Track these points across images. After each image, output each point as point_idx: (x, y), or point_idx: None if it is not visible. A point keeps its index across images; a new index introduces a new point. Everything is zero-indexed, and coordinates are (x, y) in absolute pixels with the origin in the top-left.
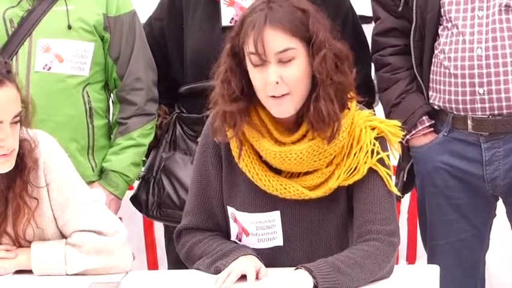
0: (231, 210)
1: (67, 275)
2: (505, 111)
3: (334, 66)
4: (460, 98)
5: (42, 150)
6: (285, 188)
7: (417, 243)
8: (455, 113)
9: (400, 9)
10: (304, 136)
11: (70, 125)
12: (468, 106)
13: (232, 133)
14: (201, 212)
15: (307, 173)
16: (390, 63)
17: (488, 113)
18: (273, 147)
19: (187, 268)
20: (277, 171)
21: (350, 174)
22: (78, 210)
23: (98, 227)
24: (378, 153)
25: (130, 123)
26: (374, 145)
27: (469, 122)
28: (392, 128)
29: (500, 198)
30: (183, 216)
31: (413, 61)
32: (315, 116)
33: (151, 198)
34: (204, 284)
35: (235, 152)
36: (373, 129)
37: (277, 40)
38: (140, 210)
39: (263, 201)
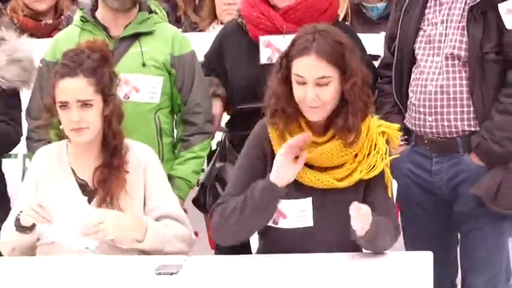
0: None
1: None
2: (448, 136)
3: (361, 90)
4: (417, 122)
5: (145, 153)
6: (318, 179)
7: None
8: (417, 133)
9: (392, 49)
10: (332, 137)
11: (145, 143)
12: (422, 129)
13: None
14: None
15: (335, 168)
16: (384, 89)
17: (436, 136)
18: (311, 147)
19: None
20: (310, 166)
21: (370, 170)
22: (167, 199)
23: (182, 217)
24: (389, 155)
25: (193, 140)
26: (386, 148)
27: (425, 141)
28: (396, 133)
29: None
30: (222, 196)
31: (393, 89)
32: (343, 126)
33: (209, 200)
34: (264, 268)
35: (275, 142)
36: (382, 133)
37: (318, 68)
38: (200, 210)
39: (298, 190)
